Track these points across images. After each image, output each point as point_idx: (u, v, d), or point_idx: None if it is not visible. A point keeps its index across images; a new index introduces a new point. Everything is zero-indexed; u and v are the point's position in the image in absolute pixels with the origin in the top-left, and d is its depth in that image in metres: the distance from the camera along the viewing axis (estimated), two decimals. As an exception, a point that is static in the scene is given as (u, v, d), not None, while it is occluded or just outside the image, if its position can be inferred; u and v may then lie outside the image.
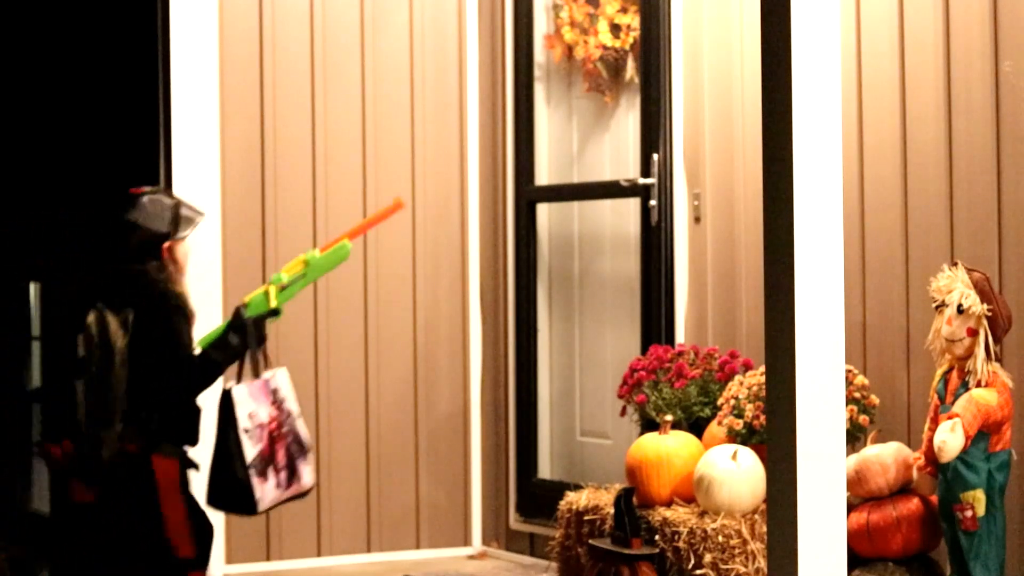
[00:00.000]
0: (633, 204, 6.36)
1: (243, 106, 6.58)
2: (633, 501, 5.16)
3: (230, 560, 6.49)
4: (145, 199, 5.20)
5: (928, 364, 4.79)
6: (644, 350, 6.06)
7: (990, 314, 4.43)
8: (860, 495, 4.70)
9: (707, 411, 5.47)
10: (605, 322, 6.74)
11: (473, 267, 6.90)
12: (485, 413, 6.87)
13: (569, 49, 6.75)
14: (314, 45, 6.69)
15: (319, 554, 6.67)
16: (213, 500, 5.19)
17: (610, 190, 6.49)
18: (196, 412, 5.12)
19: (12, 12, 7.15)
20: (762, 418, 5.00)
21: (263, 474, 5.15)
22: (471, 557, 6.74)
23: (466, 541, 6.90)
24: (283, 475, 5.18)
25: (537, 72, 6.94)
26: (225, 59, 6.53)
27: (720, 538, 4.90)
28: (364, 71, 6.76)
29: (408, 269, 6.81)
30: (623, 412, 5.81)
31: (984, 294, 4.45)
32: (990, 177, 4.84)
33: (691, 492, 5.13)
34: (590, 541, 5.29)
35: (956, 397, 4.45)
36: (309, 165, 6.69)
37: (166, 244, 5.15)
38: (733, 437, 5.15)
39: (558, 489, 6.04)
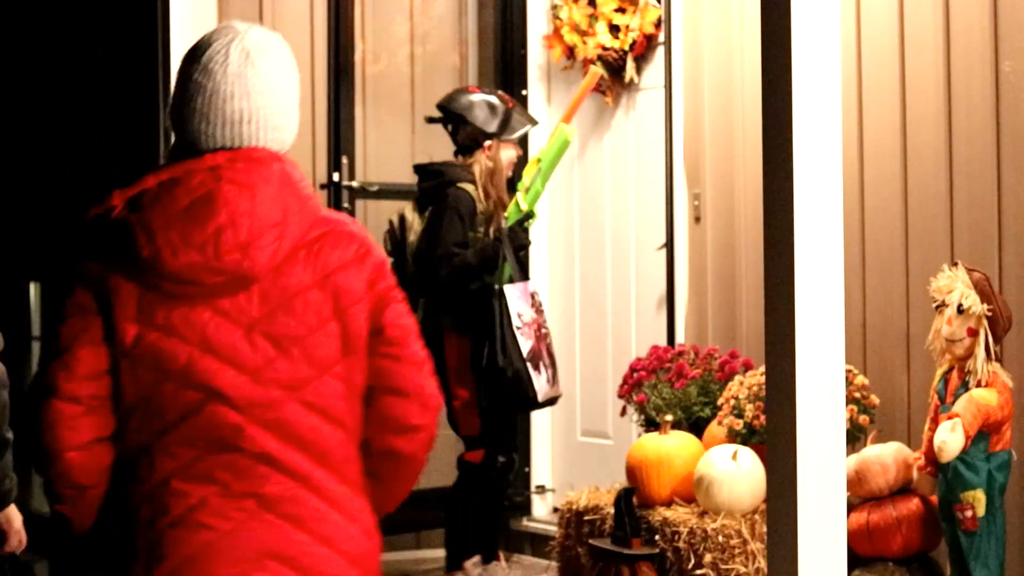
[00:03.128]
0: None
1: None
2: (633, 501, 5.16)
3: (230, 560, 6.49)
4: (476, 98, 5.85)
5: (928, 364, 4.79)
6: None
7: (990, 314, 4.43)
8: (860, 495, 4.70)
9: (707, 411, 5.47)
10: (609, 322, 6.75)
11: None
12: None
13: (569, 50, 6.75)
14: (314, 43, 6.70)
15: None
16: (491, 397, 5.62)
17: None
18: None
19: (12, 12, 7.15)
20: (762, 418, 5.00)
21: (537, 368, 5.58)
22: None
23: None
24: (550, 372, 5.64)
25: (537, 73, 6.94)
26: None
27: (720, 538, 4.90)
28: (365, 70, 6.77)
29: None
30: (623, 412, 5.81)
31: (984, 294, 4.45)
32: (990, 177, 4.84)
33: (691, 492, 5.13)
34: (590, 541, 5.29)
35: (956, 397, 4.45)
36: (309, 165, 6.69)
37: (488, 143, 5.80)
38: (733, 437, 5.15)
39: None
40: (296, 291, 2.66)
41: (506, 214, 5.79)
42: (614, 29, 6.55)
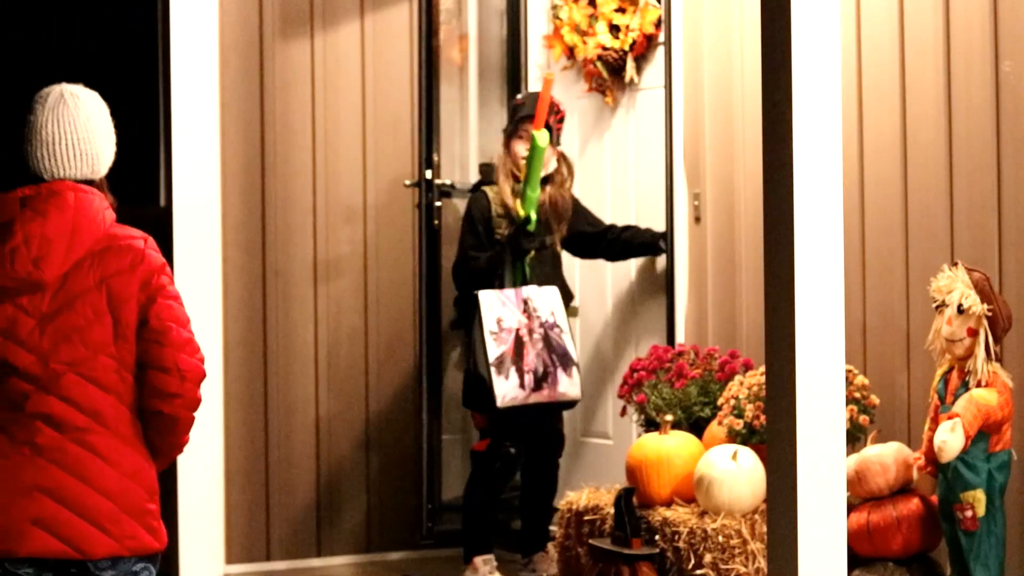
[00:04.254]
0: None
1: (244, 104, 6.58)
2: (633, 501, 5.16)
3: (230, 560, 6.49)
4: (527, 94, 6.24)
5: (928, 364, 4.79)
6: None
7: (990, 314, 4.43)
8: (860, 495, 4.70)
9: (707, 411, 5.47)
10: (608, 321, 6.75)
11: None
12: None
13: (569, 50, 6.75)
14: (314, 41, 6.69)
15: (319, 554, 6.67)
16: (465, 398, 5.92)
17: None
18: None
19: (12, 12, 7.15)
20: (762, 418, 5.00)
21: (503, 372, 5.74)
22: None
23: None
24: (529, 378, 5.78)
25: (538, 73, 6.94)
26: (226, 55, 6.53)
27: (720, 538, 4.90)
28: (364, 70, 6.76)
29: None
30: (623, 412, 5.81)
31: (984, 294, 4.45)
32: (990, 177, 4.84)
33: (691, 492, 5.13)
34: (590, 541, 5.29)
35: (956, 397, 4.45)
36: (309, 164, 6.69)
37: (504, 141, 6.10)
38: (733, 437, 5.15)
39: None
40: (79, 292, 3.55)
41: (519, 211, 6.02)
42: (614, 29, 6.54)
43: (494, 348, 5.76)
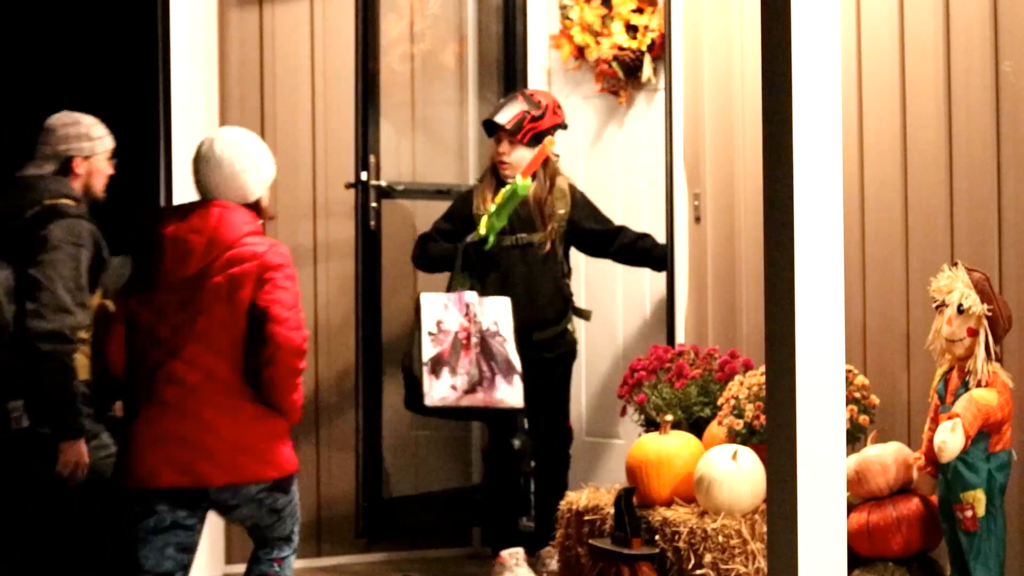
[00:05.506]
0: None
1: (244, 103, 6.58)
2: (633, 501, 5.16)
3: (230, 560, 6.49)
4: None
5: (928, 364, 4.79)
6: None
7: (990, 314, 4.43)
8: (860, 495, 4.70)
9: (707, 411, 5.48)
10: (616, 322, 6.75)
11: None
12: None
13: (579, 50, 6.75)
14: (314, 40, 6.69)
15: (319, 554, 6.67)
16: (404, 398, 5.93)
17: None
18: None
19: (12, 12, 7.15)
20: (762, 418, 5.00)
21: (435, 373, 5.80)
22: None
23: (466, 541, 6.91)
24: (461, 379, 5.81)
25: (538, 74, 6.94)
26: (225, 54, 6.53)
27: (720, 538, 4.90)
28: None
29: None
30: (623, 412, 5.81)
31: (984, 294, 4.45)
32: (990, 177, 4.84)
33: (691, 492, 5.13)
34: (590, 541, 5.29)
35: (956, 397, 4.45)
36: (309, 163, 6.69)
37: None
38: (733, 437, 5.15)
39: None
40: (209, 284, 4.54)
41: (479, 228, 6.07)
42: (631, 29, 6.55)
43: (430, 349, 5.80)
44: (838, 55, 3.54)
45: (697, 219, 6.09)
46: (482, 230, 6.03)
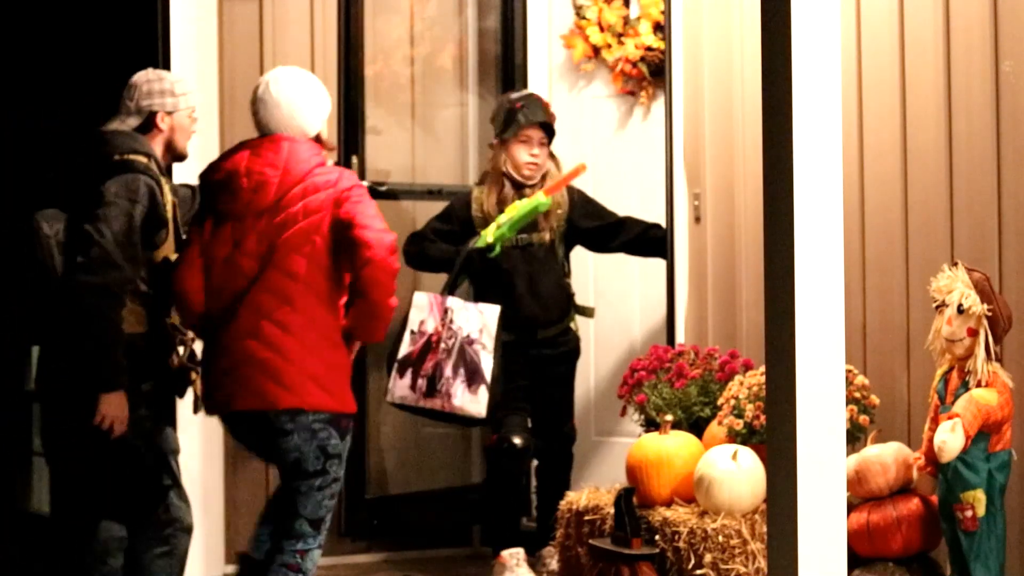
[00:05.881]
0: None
1: (244, 98, 6.59)
2: (633, 501, 5.16)
3: (230, 560, 6.49)
4: (500, 99, 6.39)
5: (928, 364, 4.79)
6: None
7: (990, 314, 4.43)
8: (860, 495, 4.70)
9: (707, 411, 5.47)
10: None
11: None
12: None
13: (595, 50, 6.75)
14: (314, 39, 6.69)
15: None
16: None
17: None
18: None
19: (12, 11, 7.15)
20: (762, 418, 5.00)
21: (401, 372, 5.82)
22: None
23: (466, 541, 6.91)
24: (423, 382, 5.80)
25: (539, 74, 6.94)
26: (225, 53, 6.54)
27: (720, 538, 4.90)
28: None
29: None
30: (623, 412, 5.81)
31: (984, 294, 4.45)
32: (990, 177, 4.84)
33: (691, 492, 5.13)
34: (590, 541, 5.29)
35: (956, 397, 4.45)
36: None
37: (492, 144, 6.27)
38: (733, 437, 5.15)
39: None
40: (286, 213, 4.75)
41: (482, 234, 6.03)
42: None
43: (406, 347, 5.82)
44: (838, 55, 3.54)
45: (697, 219, 6.09)
46: (489, 238, 5.99)
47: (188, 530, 5.18)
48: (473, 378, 5.77)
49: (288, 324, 4.73)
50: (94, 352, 4.88)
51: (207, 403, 4.91)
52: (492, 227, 6.00)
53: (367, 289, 4.67)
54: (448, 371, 5.75)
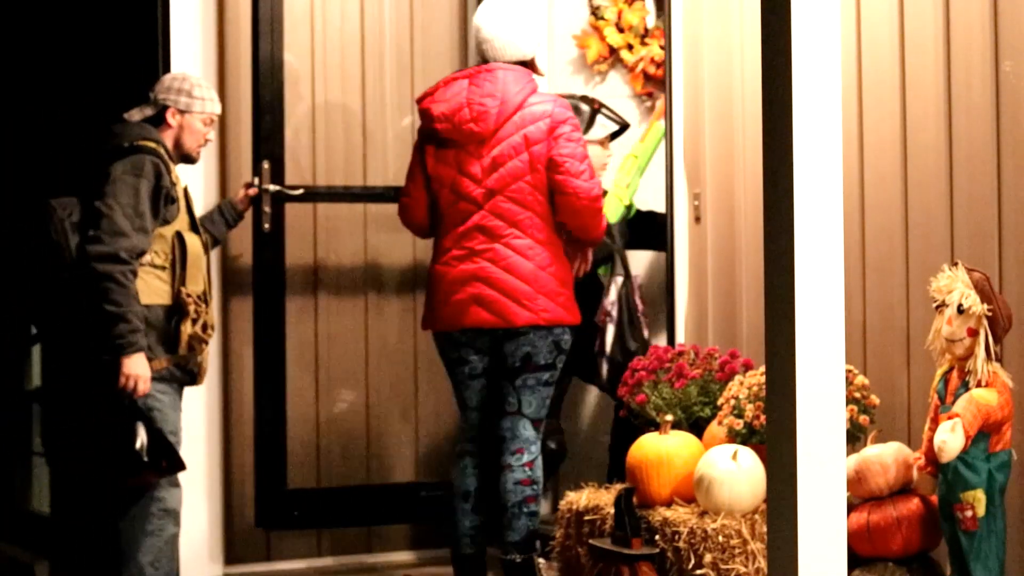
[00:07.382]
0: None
1: (247, 92, 6.58)
2: (633, 501, 5.16)
3: (230, 560, 6.49)
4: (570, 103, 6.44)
5: (928, 364, 4.79)
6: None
7: (990, 314, 4.43)
8: (860, 495, 4.70)
9: (707, 411, 5.47)
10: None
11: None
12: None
13: (611, 49, 6.76)
14: (314, 28, 6.69)
15: (319, 554, 6.67)
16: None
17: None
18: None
19: (11, 11, 7.16)
20: (762, 418, 5.00)
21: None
22: None
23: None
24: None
25: (545, 72, 6.94)
26: (225, 52, 6.54)
27: (720, 538, 4.90)
28: (363, 66, 6.76)
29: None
30: (623, 412, 5.81)
31: (984, 294, 4.45)
32: (990, 177, 4.84)
33: (691, 492, 5.13)
34: (590, 541, 5.29)
35: (956, 397, 4.45)
36: (309, 160, 6.69)
37: None
38: (733, 437, 5.15)
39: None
40: (506, 140, 5.23)
41: (618, 199, 6.27)
42: None
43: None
44: (838, 55, 3.54)
45: (697, 219, 6.09)
46: (627, 201, 6.25)
47: (174, 515, 5.21)
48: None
49: (518, 247, 5.23)
50: (113, 316, 5.05)
51: (429, 318, 5.39)
52: (623, 192, 6.18)
53: (574, 230, 5.33)
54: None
